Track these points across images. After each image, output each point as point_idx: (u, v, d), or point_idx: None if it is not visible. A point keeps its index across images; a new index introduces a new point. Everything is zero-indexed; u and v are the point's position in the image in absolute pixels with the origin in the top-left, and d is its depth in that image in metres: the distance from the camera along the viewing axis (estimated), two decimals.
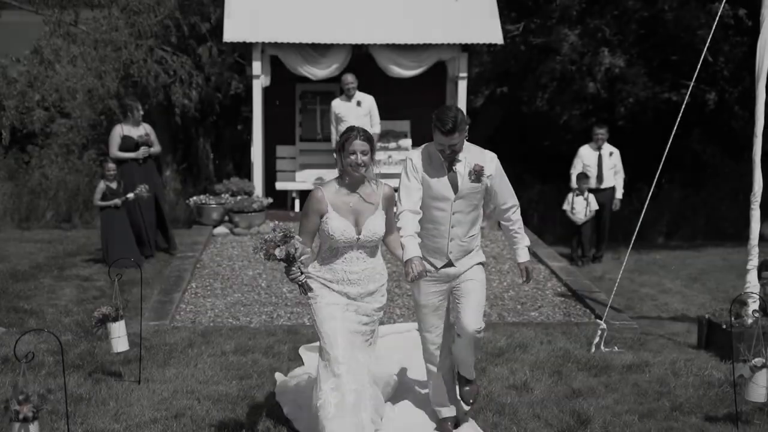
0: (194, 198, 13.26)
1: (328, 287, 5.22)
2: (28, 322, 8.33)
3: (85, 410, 6.00)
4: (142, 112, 11.59)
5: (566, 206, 12.68)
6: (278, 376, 6.65)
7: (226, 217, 12.80)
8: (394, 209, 5.39)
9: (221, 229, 12.58)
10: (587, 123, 18.58)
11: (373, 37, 12.92)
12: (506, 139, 20.08)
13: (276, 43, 12.83)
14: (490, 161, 5.56)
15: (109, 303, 6.79)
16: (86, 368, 6.92)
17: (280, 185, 13.92)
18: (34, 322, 8.35)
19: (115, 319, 6.61)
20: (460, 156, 5.48)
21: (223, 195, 12.97)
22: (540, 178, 19.24)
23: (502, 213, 5.73)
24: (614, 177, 12.77)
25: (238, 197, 12.87)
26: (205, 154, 19.00)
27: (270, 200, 13.21)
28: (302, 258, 5.03)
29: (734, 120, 19.15)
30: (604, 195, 12.67)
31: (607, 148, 12.67)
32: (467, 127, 5.47)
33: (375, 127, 12.61)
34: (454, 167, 5.48)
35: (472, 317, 5.55)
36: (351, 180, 5.17)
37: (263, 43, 12.82)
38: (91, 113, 17.94)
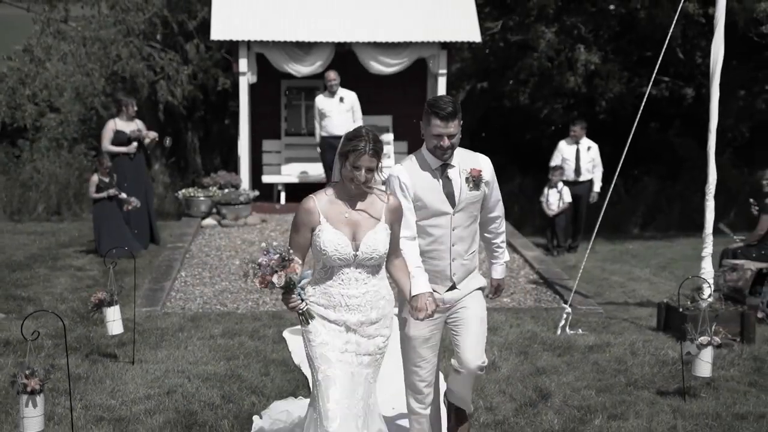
0: (183, 191, 13.69)
1: (324, 318, 4.54)
2: (26, 309, 8.77)
3: (84, 388, 6.45)
4: (136, 108, 11.98)
5: (542, 198, 13.18)
6: (255, 420, 5.90)
7: (214, 209, 13.24)
8: (400, 228, 4.71)
9: (209, 221, 13.02)
10: (569, 117, 19.10)
11: (355, 36, 13.37)
12: (488, 132, 20.58)
13: (262, 41, 13.27)
14: (486, 164, 5.02)
15: (104, 290, 7.24)
16: (83, 350, 7.37)
17: (266, 178, 14.36)
18: (31, 308, 8.79)
19: (110, 304, 7.06)
20: (453, 161, 4.90)
21: (211, 188, 13.41)
22: (521, 171, 19.74)
23: (486, 223, 5.20)
24: (592, 170, 13.19)
25: (226, 190, 13.31)
26: (192, 148, 19.43)
27: (256, 193, 13.65)
28: (303, 282, 4.49)
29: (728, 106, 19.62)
30: (581, 188, 13.11)
31: (585, 142, 13.10)
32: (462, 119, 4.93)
33: (357, 122, 13.06)
34: (447, 174, 4.89)
35: (474, 352, 4.97)
36: (349, 190, 4.48)
37: (249, 41, 13.25)
38: (81, 108, 18.39)
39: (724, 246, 10.54)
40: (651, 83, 8.63)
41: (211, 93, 17.99)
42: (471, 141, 19.70)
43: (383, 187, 4.72)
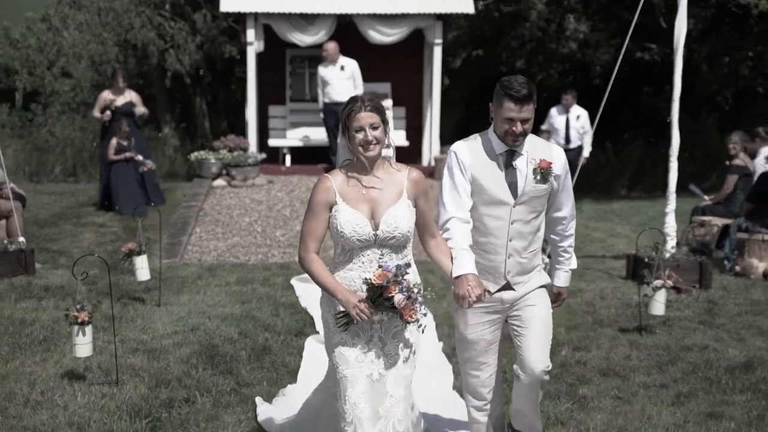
0: (195, 153, 14.56)
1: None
2: (59, 260, 9.73)
3: (118, 325, 7.38)
4: (124, 83, 12.88)
5: None
6: (258, 401, 5.72)
7: (224, 171, 14.10)
8: (429, 202, 4.34)
9: (220, 182, 13.90)
10: (564, 82, 19.85)
11: (356, 7, 14.15)
12: (484, 98, 21.37)
13: (268, 13, 14.06)
14: (558, 157, 4.58)
15: (134, 241, 8.18)
16: (115, 295, 8.33)
17: (272, 142, 15.23)
18: (64, 259, 9.75)
19: (139, 254, 8.01)
20: (522, 149, 4.49)
21: (221, 151, 14.27)
22: None
23: (553, 223, 4.71)
24: (582, 137, 13.89)
25: (235, 153, 14.17)
26: (201, 112, 20.26)
27: (263, 155, 14.52)
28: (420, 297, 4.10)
29: (698, 79, 20.39)
30: (570, 154, 13.73)
31: (575, 111, 13.84)
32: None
33: (358, 89, 13.91)
34: (513, 162, 4.47)
35: (538, 354, 4.56)
36: (363, 162, 4.17)
37: (256, 13, 14.05)
38: (94, 75, 19.23)
39: (695, 204, 11.49)
40: (624, 49, 9.31)
41: (218, 60, 18.77)
42: (467, 108, 20.54)
43: (395, 162, 4.35)
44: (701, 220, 10.78)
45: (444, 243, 4.35)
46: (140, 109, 12.99)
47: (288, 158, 15.09)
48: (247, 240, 10.98)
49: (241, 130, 15.82)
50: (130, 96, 12.88)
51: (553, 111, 14.06)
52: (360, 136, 4.10)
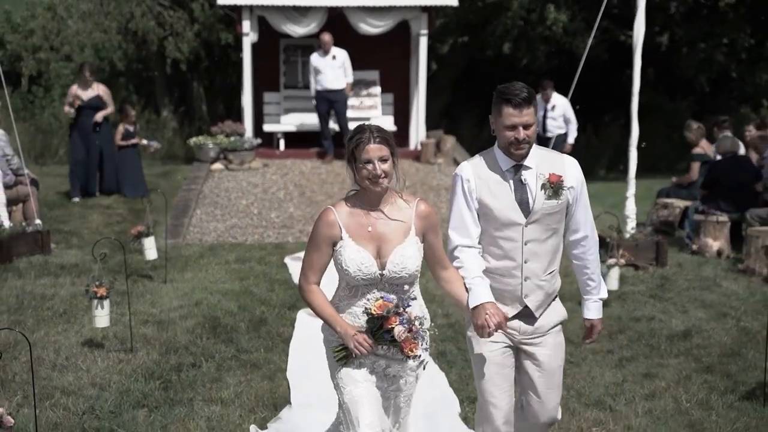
0: (194, 138, 15.37)
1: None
2: (71, 240, 10.58)
3: (128, 303, 8.26)
4: (90, 77, 13.01)
5: None
6: (253, 429, 5.57)
7: (221, 155, 14.91)
8: (439, 236, 4.15)
9: (217, 166, 14.70)
10: (549, 65, 20.57)
11: (346, 0, 14.93)
12: (471, 82, 22.17)
13: (263, 6, 14.83)
14: (570, 169, 4.27)
15: (142, 224, 9.02)
16: (124, 273, 9.18)
17: (267, 127, 16.03)
18: (76, 240, 10.60)
19: (147, 235, 8.86)
20: (530, 162, 4.23)
21: (218, 136, 15.07)
22: None
23: (571, 246, 4.40)
24: (562, 126, 14.21)
25: (232, 138, 14.97)
26: (199, 96, 21.04)
27: (259, 140, 15.34)
28: (422, 328, 4.01)
29: (681, 61, 21.10)
30: (549, 142, 14.06)
31: (553, 100, 14.14)
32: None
33: (348, 77, 14.72)
34: (521, 177, 4.21)
35: (548, 404, 4.38)
36: (369, 195, 4.01)
37: (252, 5, 14.82)
38: (95, 59, 19.98)
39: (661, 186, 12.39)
40: (592, 34, 10.02)
41: (215, 47, 19.53)
42: (453, 92, 21.34)
43: (404, 194, 4.13)
44: (665, 202, 11.65)
45: (457, 274, 4.15)
46: (107, 110, 13.06)
47: (282, 142, 15.90)
48: (244, 221, 11.83)
49: (238, 113, 16.62)
50: (98, 89, 13.00)
51: None
52: (368, 168, 3.92)
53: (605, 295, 4.48)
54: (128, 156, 13.16)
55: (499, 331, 4.07)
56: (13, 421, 4.38)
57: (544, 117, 14.30)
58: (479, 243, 4.27)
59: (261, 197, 12.90)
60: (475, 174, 4.24)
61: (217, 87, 21.41)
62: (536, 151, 4.28)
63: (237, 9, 15.10)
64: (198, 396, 6.09)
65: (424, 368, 4.11)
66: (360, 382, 4.04)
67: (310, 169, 14.50)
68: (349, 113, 15.10)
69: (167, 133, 19.38)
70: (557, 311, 4.38)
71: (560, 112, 14.29)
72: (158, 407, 5.87)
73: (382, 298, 3.92)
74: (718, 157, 11.07)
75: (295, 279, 9.05)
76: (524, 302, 4.26)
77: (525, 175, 4.23)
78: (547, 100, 14.19)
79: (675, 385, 6.35)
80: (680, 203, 11.54)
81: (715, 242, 10.27)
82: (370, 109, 15.76)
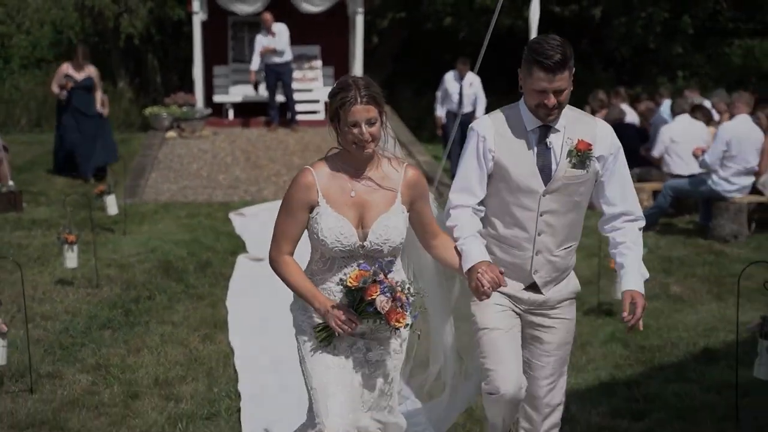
0: (149, 109, 16.68)
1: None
2: (40, 200, 11.90)
3: (93, 249, 9.64)
4: (84, 59, 13.03)
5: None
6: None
7: (175, 124, 16.23)
8: (433, 203, 3.83)
9: (171, 134, 15.99)
10: (484, 34, 21.70)
11: None
12: (411, 55, 23.52)
13: None
14: (602, 136, 3.81)
15: (104, 184, 10.38)
16: (88, 226, 10.53)
17: (216, 98, 17.40)
18: (44, 199, 11.92)
19: (109, 193, 10.21)
20: (559, 124, 3.76)
21: (171, 106, 16.37)
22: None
23: (607, 220, 3.91)
24: (475, 103, 14.20)
25: (184, 108, 16.28)
26: (153, 68, 22.22)
27: (209, 110, 16.69)
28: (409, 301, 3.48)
29: (613, 31, 22.38)
30: (464, 118, 13.89)
31: (469, 78, 14.02)
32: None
33: (286, 55, 15.96)
34: (546, 140, 3.76)
35: (549, 385, 3.99)
36: (355, 158, 3.58)
37: None
38: (54, 34, 21.09)
39: None
40: (497, 11, 11.35)
41: (167, 22, 20.71)
42: (394, 65, 22.71)
43: (397, 153, 3.75)
44: None
45: (449, 240, 3.75)
46: (100, 93, 13.18)
47: (231, 112, 17.27)
48: (194, 183, 13.22)
49: (191, 85, 17.89)
50: (89, 71, 13.12)
51: (448, 76, 14.36)
52: (354, 132, 3.48)
53: (647, 274, 3.85)
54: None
55: (498, 289, 3.60)
56: (6, 327, 5.76)
57: (461, 94, 14.21)
58: (489, 206, 3.87)
59: (210, 162, 14.27)
60: (495, 130, 3.81)
61: (171, 60, 22.56)
62: (567, 111, 3.80)
63: None
64: (153, 320, 7.49)
65: (418, 338, 3.81)
66: (331, 367, 3.62)
67: (256, 137, 15.88)
68: (293, 85, 16.47)
69: (123, 104, 20.58)
70: (570, 284, 3.98)
71: (476, 89, 14.30)
72: (120, 328, 7.25)
73: (357, 266, 3.50)
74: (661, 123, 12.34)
75: (237, 231, 10.49)
76: (533, 278, 3.87)
77: (552, 137, 3.77)
78: (462, 76, 14.19)
79: None
80: None
81: None
82: (312, 81, 17.18)
